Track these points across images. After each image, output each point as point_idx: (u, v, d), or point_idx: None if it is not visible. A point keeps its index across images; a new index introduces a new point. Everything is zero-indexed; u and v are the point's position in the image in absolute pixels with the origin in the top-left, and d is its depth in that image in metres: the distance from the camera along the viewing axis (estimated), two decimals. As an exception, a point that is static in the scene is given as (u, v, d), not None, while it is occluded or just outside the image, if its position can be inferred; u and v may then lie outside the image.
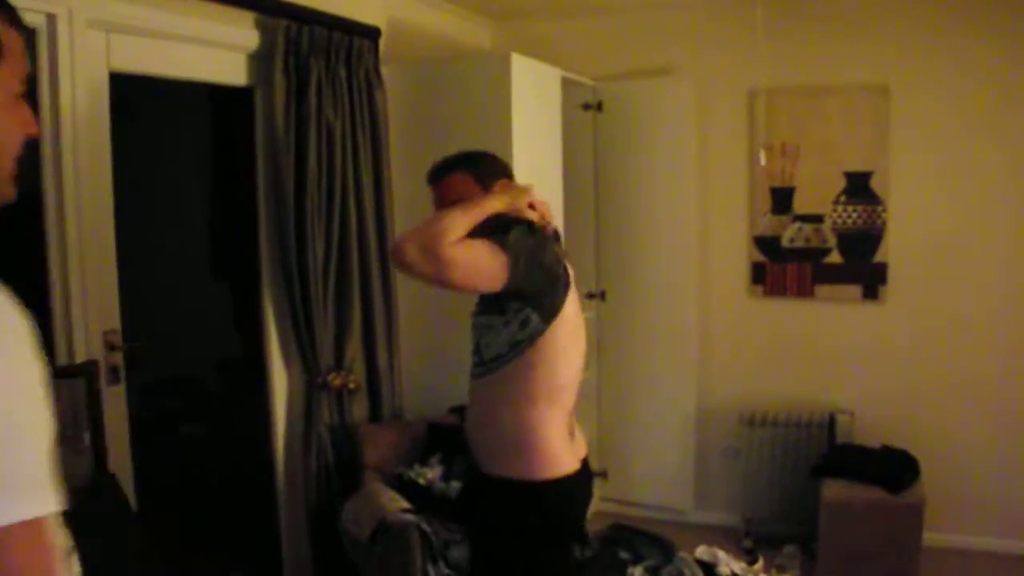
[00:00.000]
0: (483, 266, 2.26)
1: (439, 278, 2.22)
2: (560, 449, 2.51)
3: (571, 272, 2.52)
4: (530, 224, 2.47)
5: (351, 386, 3.78)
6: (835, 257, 4.79)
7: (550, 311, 2.39)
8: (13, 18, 1.18)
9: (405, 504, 3.34)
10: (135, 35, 2.96)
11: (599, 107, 5.03)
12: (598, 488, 4.94)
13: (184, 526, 3.93)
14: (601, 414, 5.20)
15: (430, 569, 3.19)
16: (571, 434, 2.59)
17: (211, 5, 3.18)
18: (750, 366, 5.04)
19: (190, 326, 4.56)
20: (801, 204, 4.83)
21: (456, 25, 4.93)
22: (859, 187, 4.70)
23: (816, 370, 4.89)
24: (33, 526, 1.01)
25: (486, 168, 2.57)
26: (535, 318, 2.38)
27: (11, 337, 1.03)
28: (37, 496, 1.02)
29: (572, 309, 2.48)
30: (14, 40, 1.17)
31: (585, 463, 2.65)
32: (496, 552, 2.61)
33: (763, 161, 4.59)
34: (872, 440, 4.62)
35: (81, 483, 2.28)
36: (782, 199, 4.85)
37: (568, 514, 2.62)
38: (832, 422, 4.70)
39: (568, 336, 2.46)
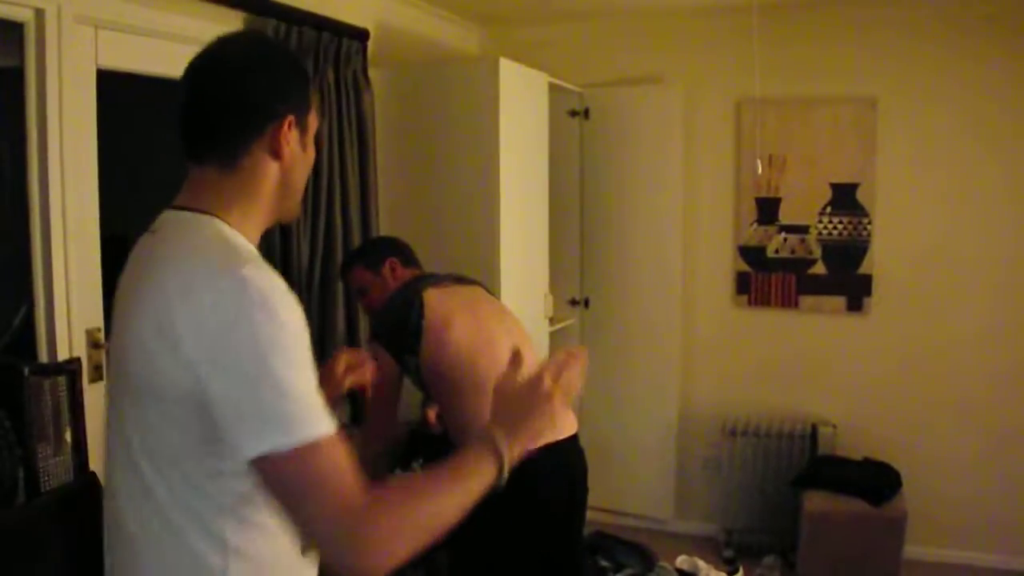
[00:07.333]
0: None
1: None
2: None
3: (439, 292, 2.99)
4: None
5: (334, 390, 3.76)
6: (820, 268, 4.80)
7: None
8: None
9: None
10: (123, 32, 2.93)
11: (586, 114, 5.03)
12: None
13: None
14: (582, 422, 5.18)
15: (409, 573, 3.17)
16: None
17: (200, 4, 3.16)
18: (733, 376, 5.05)
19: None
20: (786, 214, 4.84)
21: (444, 29, 4.92)
22: (845, 199, 4.72)
23: (799, 381, 4.90)
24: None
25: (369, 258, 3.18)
26: None
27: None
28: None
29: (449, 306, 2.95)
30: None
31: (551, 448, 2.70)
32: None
33: (760, 170, 4.60)
34: (854, 452, 4.64)
35: (62, 481, 2.26)
36: (768, 209, 4.86)
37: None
38: (814, 433, 4.71)
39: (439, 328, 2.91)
